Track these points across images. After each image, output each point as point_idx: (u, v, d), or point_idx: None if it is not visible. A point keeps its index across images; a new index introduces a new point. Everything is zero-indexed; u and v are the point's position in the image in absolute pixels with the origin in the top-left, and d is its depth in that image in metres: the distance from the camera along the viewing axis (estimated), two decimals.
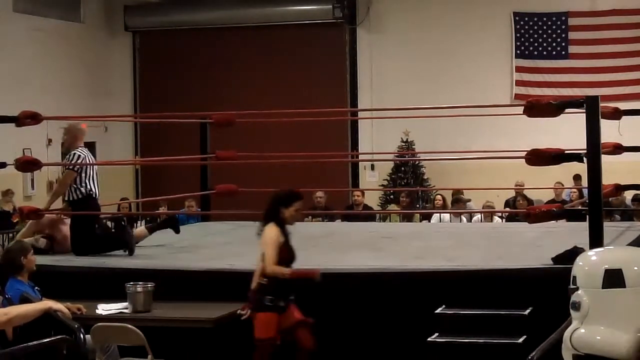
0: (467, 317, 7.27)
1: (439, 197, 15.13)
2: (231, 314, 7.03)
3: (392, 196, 16.58)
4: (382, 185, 17.40)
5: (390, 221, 14.12)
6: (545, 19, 17.55)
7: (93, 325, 6.90)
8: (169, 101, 17.64)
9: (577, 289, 4.86)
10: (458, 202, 14.01)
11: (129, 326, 6.80)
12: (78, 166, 8.99)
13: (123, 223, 12.90)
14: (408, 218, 14.50)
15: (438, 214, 13.95)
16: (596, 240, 7.47)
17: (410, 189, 16.62)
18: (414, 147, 17.07)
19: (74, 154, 9.09)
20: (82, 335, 6.64)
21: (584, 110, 7.95)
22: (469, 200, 14.98)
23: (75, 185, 9.01)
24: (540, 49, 17.60)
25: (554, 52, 17.53)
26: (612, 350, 4.69)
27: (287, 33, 18.65)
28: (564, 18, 17.47)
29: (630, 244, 8.50)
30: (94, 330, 6.87)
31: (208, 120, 11.66)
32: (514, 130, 15.61)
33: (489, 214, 13.58)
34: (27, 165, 10.05)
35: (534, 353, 5.35)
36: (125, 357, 7.13)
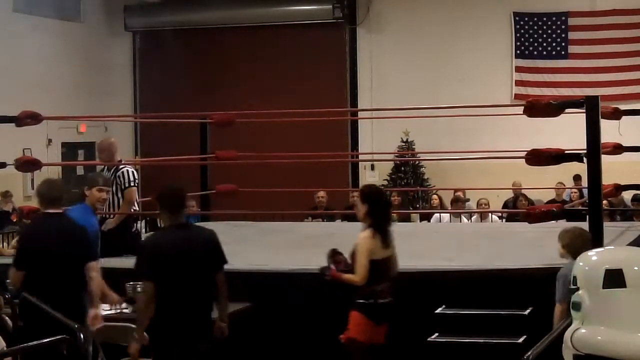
0: (467, 317, 7.27)
1: (435, 197, 15.14)
2: (230, 313, 7.02)
3: (392, 197, 16.55)
4: (382, 185, 17.37)
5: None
6: (545, 19, 17.53)
7: None
8: (169, 101, 17.61)
9: (578, 289, 4.86)
10: (457, 202, 14.00)
11: (129, 326, 6.79)
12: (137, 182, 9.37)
13: None
14: (404, 218, 14.47)
15: (438, 214, 13.94)
16: (596, 240, 7.47)
17: (411, 189, 16.62)
18: (414, 147, 17.05)
19: (128, 171, 9.20)
20: (81, 335, 6.63)
21: (584, 110, 7.96)
22: (468, 200, 14.97)
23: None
24: (540, 49, 17.58)
25: (554, 52, 17.51)
26: (613, 350, 4.69)
27: (287, 33, 18.63)
28: (564, 18, 17.45)
29: (630, 244, 8.50)
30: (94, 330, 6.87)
31: (208, 120, 11.66)
32: (514, 130, 15.59)
33: (485, 213, 13.58)
34: (27, 165, 10.07)
35: (529, 353, 5.35)
36: (126, 357, 7.12)
